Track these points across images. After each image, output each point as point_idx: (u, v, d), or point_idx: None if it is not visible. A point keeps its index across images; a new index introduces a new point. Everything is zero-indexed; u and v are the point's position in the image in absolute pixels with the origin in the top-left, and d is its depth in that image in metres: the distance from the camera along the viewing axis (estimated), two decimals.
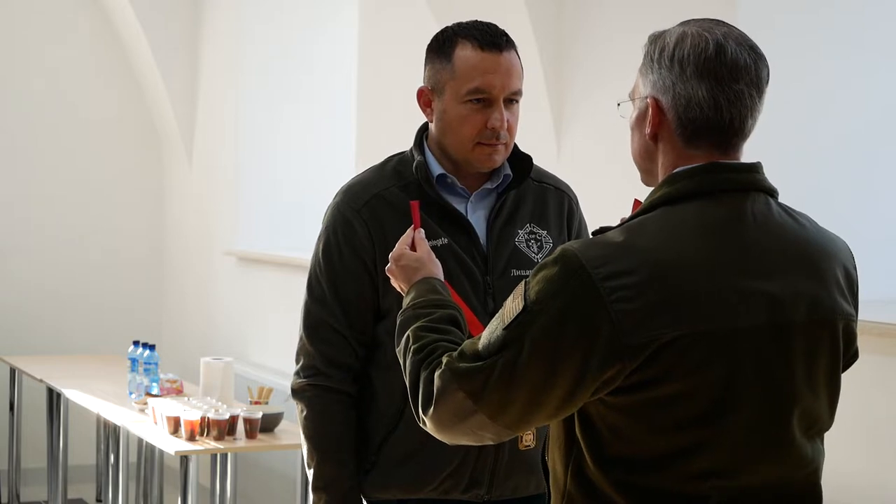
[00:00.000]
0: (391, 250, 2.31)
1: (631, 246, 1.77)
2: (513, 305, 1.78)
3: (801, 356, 1.82)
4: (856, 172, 3.68)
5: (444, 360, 1.84)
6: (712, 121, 1.82)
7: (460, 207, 2.56)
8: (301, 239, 6.44)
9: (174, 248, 7.38)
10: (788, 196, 3.64)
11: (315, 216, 7.13)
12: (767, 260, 1.82)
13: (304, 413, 2.59)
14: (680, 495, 1.78)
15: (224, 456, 4.61)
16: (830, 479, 3.25)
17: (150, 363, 5.08)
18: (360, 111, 5.57)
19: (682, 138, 1.84)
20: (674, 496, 1.78)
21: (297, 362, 2.62)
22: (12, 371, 6.37)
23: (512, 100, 2.52)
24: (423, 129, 2.63)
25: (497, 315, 1.82)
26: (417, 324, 1.99)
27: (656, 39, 1.88)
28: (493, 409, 1.78)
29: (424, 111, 2.58)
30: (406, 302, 2.11)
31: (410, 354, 1.93)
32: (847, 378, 3.15)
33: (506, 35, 2.56)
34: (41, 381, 5.83)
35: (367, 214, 2.54)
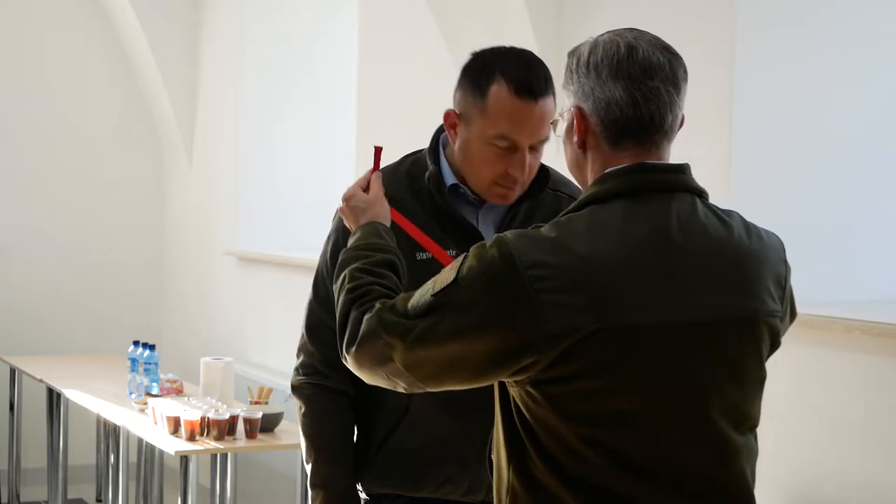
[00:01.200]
0: (405, 257, 2.30)
1: (558, 240, 1.84)
2: (446, 275, 1.87)
3: (723, 354, 1.88)
4: (856, 173, 3.68)
5: (377, 305, 1.93)
6: (632, 119, 1.89)
7: (471, 217, 2.52)
8: (301, 239, 6.44)
9: (174, 248, 7.38)
10: (788, 196, 3.65)
11: (315, 216, 7.14)
12: (689, 260, 1.87)
13: (303, 411, 2.60)
14: (606, 489, 1.83)
15: (224, 456, 4.60)
16: (831, 478, 3.26)
17: (150, 363, 5.08)
18: (360, 111, 5.57)
19: (607, 142, 1.91)
20: (601, 489, 1.83)
21: (298, 358, 2.63)
22: (12, 371, 6.37)
23: (537, 147, 2.45)
24: (440, 131, 2.57)
25: (432, 279, 1.90)
26: (356, 265, 2.08)
27: (573, 53, 1.98)
28: (408, 363, 1.88)
29: (448, 132, 2.50)
30: (350, 242, 2.19)
31: (344, 293, 2.02)
32: (847, 378, 3.15)
33: (546, 76, 2.44)
34: (41, 381, 5.83)
35: None
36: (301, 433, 2.61)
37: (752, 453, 1.95)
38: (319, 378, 2.57)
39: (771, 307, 1.94)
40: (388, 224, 2.25)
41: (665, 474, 1.85)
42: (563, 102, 1.99)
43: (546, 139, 2.45)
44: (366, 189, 2.33)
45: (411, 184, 2.53)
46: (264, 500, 5.85)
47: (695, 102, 3.63)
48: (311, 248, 6.29)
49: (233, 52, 6.60)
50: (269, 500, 5.80)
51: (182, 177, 7.24)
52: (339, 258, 2.12)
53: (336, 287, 2.08)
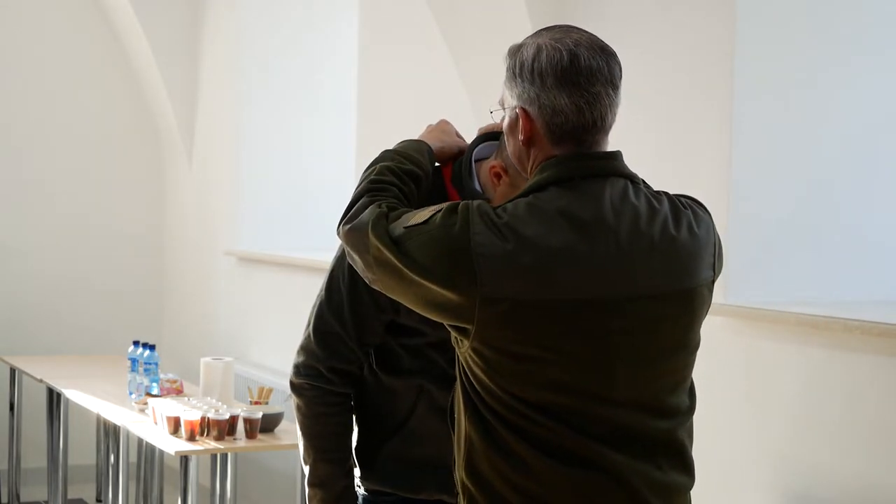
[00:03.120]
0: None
1: (504, 222, 2.02)
2: (422, 214, 2.06)
3: (654, 325, 2.04)
4: (856, 174, 3.68)
5: (383, 205, 2.13)
6: (576, 124, 2.04)
7: None
8: (301, 239, 6.45)
9: (174, 248, 7.38)
10: (788, 197, 3.65)
11: (315, 216, 7.13)
12: (621, 239, 2.02)
13: (303, 411, 2.59)
14: (545, 439, 2.02)
15: (224, 456, 4.60)
16: (831, 479, 3.26)
17: (150, 363, 5.08)
18: (360, 111, 5.57)
19: (550, 141, 2.07)
20: (540, 438, 2.02)
21: (299, 356, 2.59)
22: (12, 371, 6.37)
23: None
24: (475, 144, 2.46)
25: (416, 210, 2.09)
26: (389, 163, 2.28)
27: (515, 53, 2.10)
28: (377, 263, 2.09)
29: (491, 179, 2.36)
30: (396, 145, 2.37)
31: (367, 180, 2.24)
32: (848, 378, 3.15)
33: None
34: (41, 381, 5.83)
35: None
36: (299, 432, 2.61)
37: (688, 411, 2.12)
38: (323, 381, 2.56)
39: (701, 277, 2.09)
40: (434, 152, 2.41)
41: (599, 430, 2.03)
42: (504, 94, 2.12)
43: None
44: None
45: (438, 195, 2.43)
46: (264, 500, 5.85)
47: (695, 103, 3.65)
48: (311, 248, 6.30)
49: (233, 51, 6.60)
50: (269, 500, 5.80)
51: (182, 177, 7.24)
52: (380, 154, 2.33)
53: (364, 173, 2.30)
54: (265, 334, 6.26)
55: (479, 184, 2.44)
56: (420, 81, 5.08)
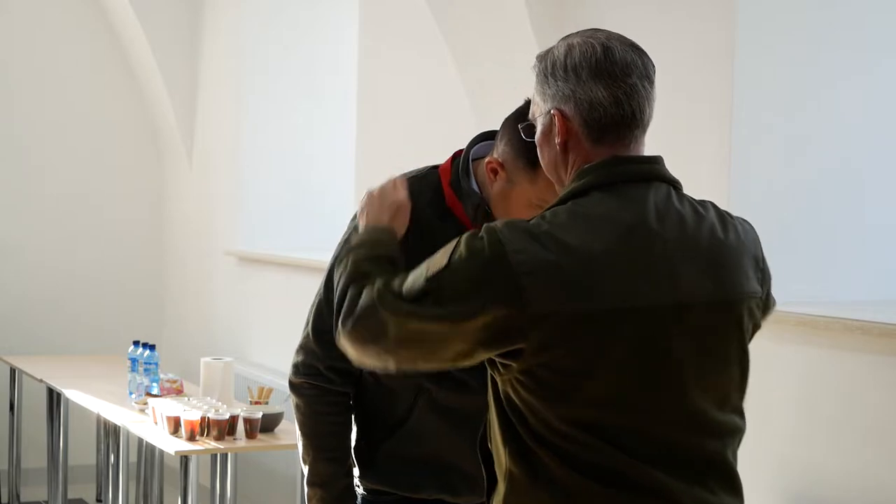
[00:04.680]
0: (411, 268, 2.33)
1: (543, 231, 1.91)
2: (439, 260, 1.93)
3: (701, 336, 1.94)
4: (856, 174, 3.68)
5: (377, 282, 1.98)
6: (616, 116, 1.97)
7: None
8: (301, 239, 6.45)
9: (174, 248, 7.38)
10: (788, 197, 3.65)
11: (315, 216, 7.14)
12: (667, 246, 1.94)
13: (302, 410, 2.59)
14: (596, 464, 1.90)
15: (224, 456, 4.61)
16: (831, 478, 3.26)
17: (150, 363, 5.08)
18: (360, 111, 5.57)
19: (589, 140, 1.98)
20: (591, 464, 1.90)
21: (298, 356, 2.59)
22: (12, 371, 6.37)
23: None
24: (473, 143, 2.51)
25: (426, 262, 1.95)
26: (362, 252, 2.15)
27: (544, 57, 2.03)
28: (400, 341, 1.94)
29: (488, 174, 2.42)
30: (361, 233, 2.26)
31: (346, 274, 2.08)
32: (848, 378, 3.15)
33: None
34: (41, 381, 5.83)
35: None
36: (298, 431, 2.61)
37: (736, 431, 2.02)
38: (322, 380, 2.56)
39: (749, 289, 2.01)
40: (402, 233, 2.30)
41: (650, 450, 1.92)
42: (535, 107, 2.04)
43: None
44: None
45: (438, 197, 2.48)
46: (264, 500, 5.85)
47: (695, 102, 3.65)
48: (311, 248, 6.30)
49: (233, 52, 6.60)
50: (269, 500, 5.80)
51: (182, 177, 7.24)
52: (349, 246, 2.21)
53: (339, 270, 2.17)
54: (265, 334, 6.26)
55: (477, 183, 2.46)
56: (420, 82, 5.08)
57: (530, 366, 1.89)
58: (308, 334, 2.58)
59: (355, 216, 2.54)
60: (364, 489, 2.61)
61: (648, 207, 1.95)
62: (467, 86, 4.52)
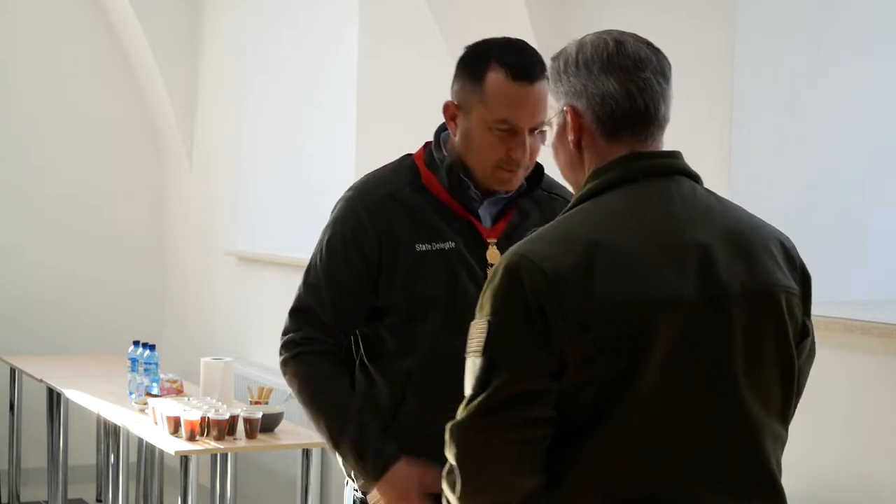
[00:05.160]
0: (398, 251, 2.45)
1: (563, 233, 1.85)
2: (476, 334, 1.84)
3: (740, 327, 1.87)
4: (855, 175, 3.68)
5: (446, 436, 1.84)
6: (628, 110, 1.91)
7: (471, 212, 2.59)
8: (301, 239, 6.44)
9: (174, 248, 7.38)
10: (788, 198, 3.65)
11: (315, 216, 7.14)
12: (696, 235, 1.88)
13: (297, 380, 2.61)
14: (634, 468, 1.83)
15: (224, 456, 4.61)
16: (831, 478, 3.26)
17: (150, 363, 5.08)
18: (360, 111, 5.57)
19: (603, 136, 1.92)
20: (631, 466, 1.83)
21: (280, 343, 2.67)
22: (12, 371, 6.37)
23: (537, 128, 2.51)
24: (440, 130, 2.63)
25: (467, 363, 1.86)
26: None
27: (558, 56, 1.98)
28: (511, 420, 1.80)
29: (449, 124, 2.58)
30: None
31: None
32: (849, 378, 3.15)
33: (539, 62, 2.51)
34: (41, 381, 5.83)
35: (378, 213, 2.55)
36: (302, 405, 2.60)
37: (779, 438, 1.95)
38: (303, 348, 2.61)
39: (782, 282, 1.94)
40: None
41: (695, 459, 1.85)
42: (551, 110, 2.01)
43: (544, 122, 2.50)
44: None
45: (415, 179, 2.59)
46: (264, 500, 5.85)
47: (695, 102, 3.65)
48: (311, 248, 6.28)
49: (233, 52, 6.60)
50: (269, 500, 5.80)
51: (182, 177, 7.24)
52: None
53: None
54: (265, 334, 6.26)
55: (446, 151, 2.58)
56: (420, 82, 5.08)
57: (569, 382, 1.81)
58: (287, 318, 2.69)
59: (334, 209, 2.60)
60: (361, 492, 2.61)
61: (674, 200, 1.90)
62: None
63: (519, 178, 2.55)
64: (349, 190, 2.65)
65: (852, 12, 3.65)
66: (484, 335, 1.82)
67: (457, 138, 2.55)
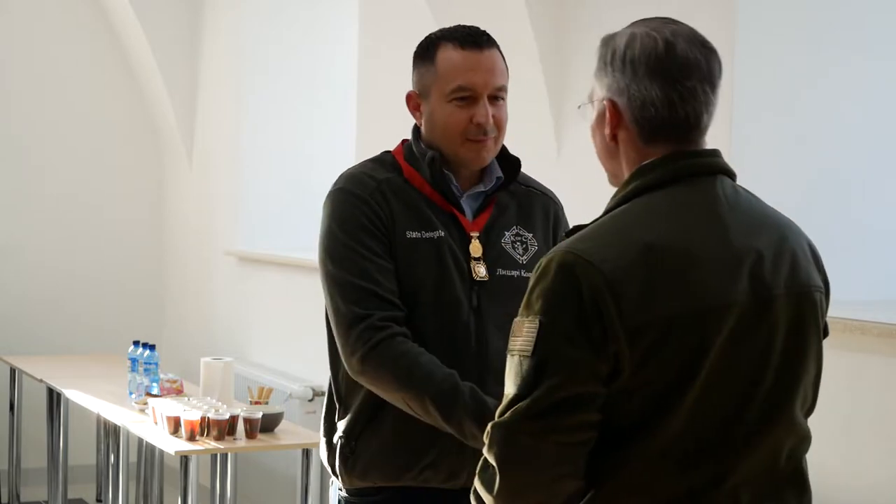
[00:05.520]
0: (395, 237, 2.48)
1: (616, 233, 1.82)
2: (524, 333, 1.79)
3: (783, 327, 1.87)
4: (855, 175, 3.68)
5: (488, 430, 1.81)
6: (668, 119, 1.86)
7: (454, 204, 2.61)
8: (301, 239, 6.44)
9: (174, 248, 7.38)
10: (788, 198, 3.65)
11: (315, 217, 7.11)
12: (744, 235, 1.86)
13: (384, 372, 2.44)
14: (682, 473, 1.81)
15: (224, 456, 4.61)
16: (831, 478, 3.26)
17: (150, 363, 5.08)
18: (360, 111, 5.57)
19: (640, 138, 1.89)
20: (676, 472, 1.81)
21: (347, 340, 2.48)
22: (12, 371, 6.37)
23: (497, 96, 2.57)
24: (417, 129, 2.67)
25: (510, 361, 1.81)
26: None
27: (608, 42, 1.93)
28: (560, 424, 1.78)
29: (414, 115, 2.64)
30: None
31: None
32: (849, 378, 3.15)
33: (486, 34, 2.62)
34: (41, 381, 5.83)
35: (377, 199, 2.56)
36: (397, 397, 2.46)
37: (807, 437, 1.94)
38: (385, 332, 2.45)
39: (816, 281, 1.96)
40: None
41: (738, 460, 1.83)
42: (594, 87, 1.96)
43: (503, 89, 2.58)
44: None
45: (399, 172, 2.62)
46: (264, 500, 5.85)
47: None
48: (311, 248, 6.26)
49: (233, 52, 6.60)
50: (269, 500, 5.80)
51: (182, 177, 7.24)
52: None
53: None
54: (265, 334, 6.26)
55: (426, 145, 2.61)
56: None
57: (623, 388, 1.78)
58: (342, 314, 2.49)
59: (327, 205, 2.60)
60: (346, 491, 2.61)
61: (719, 200, 1.87)
62: None
63: (490, 151, 2.58)
64: (339, 183, 2.62)
65: (852, 12, 3.65)
66: (534, 335, 1.78)
67: (423, 125, 2.61)
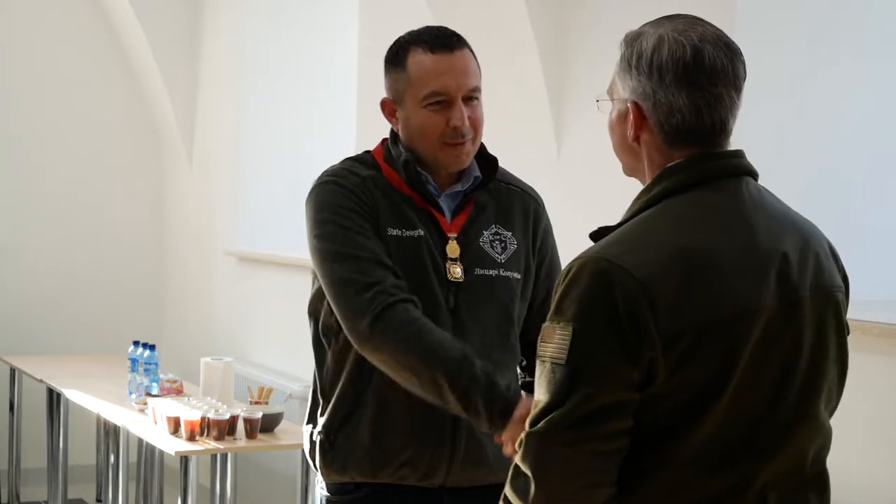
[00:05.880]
0: (379, 232, 2.48)
1: (648, 239, 1.80)
2: (556, 340, 1.77)
3: (809, 328, 1.86)
4: (857, 175, 3.68)
5: (521, 440, 1.80)
6: (694, 126, 1.86)
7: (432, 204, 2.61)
8: (301, 239, 6.43)
9: (174, 248, 7.38)
10: (788, 196, 3.65)
11: None
12: (770, 238, 1.86)
13: (392, 336, 2.40)
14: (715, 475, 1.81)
15: (224, 456, 4.60)
16: (834, 479, 3.25)
17: (150, 363, 5.08)
18: (360, 111, 5.57)
19: (665, 143, 1.88)
20: (713, 472, 1.81)
21: (353, 319, 2.44)
22: (12, 371, 6.37)
23: (472, 97, 2.56)
24: (394, 133, 2.66)
25: (540, 368, 1.80)
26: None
27: (633, 42, 1.90)
28: (595, 433, 1.77)
29: (390, 121, 2.64)
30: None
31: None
32: (849, 378, 3.15)
33: (456, 35, 2.60)
34: (41, 381, 5.83)
35: (362, 193, 2.56)
36: (410, 378, 2.40)
37: (829, 437, 1.94)
38: (395, 296, 2.42)
39: (838, 282, 1.95)
40: None
41: (766, 462, 1.84)
42: (615, 83, 1.95)
43: (476, 90, 2.57)
44: None
45: (377, 171, 2.63)
46: (264, 500, 5.85)
47: None
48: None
49: (233, 51, 6.60)
50: (269, 500, 5.80)
51: (182, 177, 7.24)
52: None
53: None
54: (265, 334, 6.26)
55: (403, 148, 2.61)
56: None
57: (655, 395, 1.77)
58: (336, 300, 2.47)
59: (307, 198, 2.59)
60: (325, 487, 2.61)
61: (746, 203, 1.87)
62: None
63: (469, 153, 2.57)
64: (322, 178, 2.61)
65: (852, 12, 3.65)
66: (567, 342, 1.76)
67: (400, 131, 2.60)
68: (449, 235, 2.58)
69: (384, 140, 2.69)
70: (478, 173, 2.63)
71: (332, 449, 2.57)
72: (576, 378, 1.75)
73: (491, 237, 2.61)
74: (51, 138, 7.19)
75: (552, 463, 1.77)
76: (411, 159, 2.57)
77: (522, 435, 1.81)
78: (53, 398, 5.93)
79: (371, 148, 2.75)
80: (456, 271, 2.56)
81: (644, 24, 1.92)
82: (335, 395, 2.58)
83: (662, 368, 1.75)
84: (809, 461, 1.90)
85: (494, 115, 4.59)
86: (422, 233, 2.55)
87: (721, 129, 1.88)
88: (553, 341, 1.78)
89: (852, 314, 3.20)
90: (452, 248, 2.57)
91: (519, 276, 2.61)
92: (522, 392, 2.46)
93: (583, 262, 1.79)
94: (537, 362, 1.81)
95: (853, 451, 3.18)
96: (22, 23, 7.11)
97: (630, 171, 1.96)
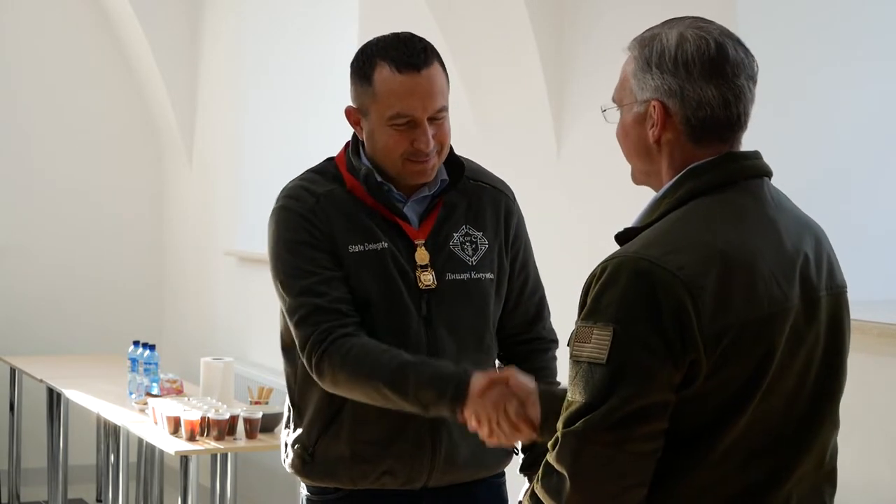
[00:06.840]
0: (338, 253, 2.46)
1: (685, 239, 1.81)
2: (596, 340, 1.77)
3: (825, 326, 1.89)
4: (856, 175, 3.68)
5: (557, 439, 1.79)
6: (722, 118, 1.87)
7: (397, 212, 2.58)
8: None
9: (174, 249, 7.38)
10: (789, 194, 3.65)
11: None
12: (793, 238, 1.89)
13: (338, 378, 2.45)
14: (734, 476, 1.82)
15: (224, 456, 4.60)
16: None
17: (150, 363, 5.08)
18: None
19: (690, 140, 1.88)
20: (730, 474, 1.82)
21: (303, 334, 2.53)
22: (12, 371, 6.37)
23: (437, 117, 2.50)
24: (356, 140, 2.63)
25: (575, 368, 1.79)
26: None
27: (649, 43, 1.91)
28: (635, 434, 1.77)
29: (355, 129, 2.59)
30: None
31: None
32: (849, 377, 3.15)
33: (425, 50, 2.52)
34: (41, 381, 5.83)
35: (319, 211, 2.55)
36: (359, 390, 2.44)
37: (837, 431, 1.96)
38: (328, 342, 2.47)
39: (844, 281, 1.98)
40: None
41: (789, 458, 1.86)
42: (628, 89, 1.94)
43: (443, 109, 2.51)
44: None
45: (340, 183, 2.60)
46: (264, 500, 5.85)
47: None
48: None
49: (233, 51, 6.60)
50: (269, 500, 5.80)
51: (182, 177, 7.24)
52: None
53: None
54: (265, 334, 6.25)
55: (367, 158, 2.57)
56: None
57: (690, 397, 1.78)
58: (289, 323, 2.61)
59: (269, 218, 2.63)
60: (307, 489, 2.61)
61: (769, 204, 1.90)
62: (467, 85, 4.52)
63: (434, 167, 2.54)
64: (280, 199, 2.64)
65: (852, 12, 3.65)
66: (608, 343, 1.75)
67: (365, 142, 2.56)
68: (416, 243, 2.55)
69: (347, 144, 2.65)
70: (445, 176, 2.59)
71: (312, 461, 2.57)
72: (617, 379, 1.75)
73: (461, 238, 2.58)
74: (51, 139, 7.19)
75: (592, 463, 1.77)
76: (373, 172, 2.54)
77: (558, 434, 1.80)
78: (53, 398, 5.93)
79: (336, 154, 2.72)
80: (427, 278, 2.54)
81: (651, 28, 1.94)
82: (311, 408, 2.57)
83: (703, 369, 1.76)
84: (828, 459, 1.92)
85: (494, 115, 4.60)
86: (385, 245, 2.52)
87: (744, 121, 1.90)
88: (589, 342, 1.77)
89: (852, 314, 3.21)
90: (421, 255, 2.54)
91: (492, 276, 2.59)
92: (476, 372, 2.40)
93: (618, 262, 1.79)
94: (570, 363, 1.81)
95: (853, 451, 3.18)
96: (22, 23, 7.11)
97: (642, 176, 1.96)
